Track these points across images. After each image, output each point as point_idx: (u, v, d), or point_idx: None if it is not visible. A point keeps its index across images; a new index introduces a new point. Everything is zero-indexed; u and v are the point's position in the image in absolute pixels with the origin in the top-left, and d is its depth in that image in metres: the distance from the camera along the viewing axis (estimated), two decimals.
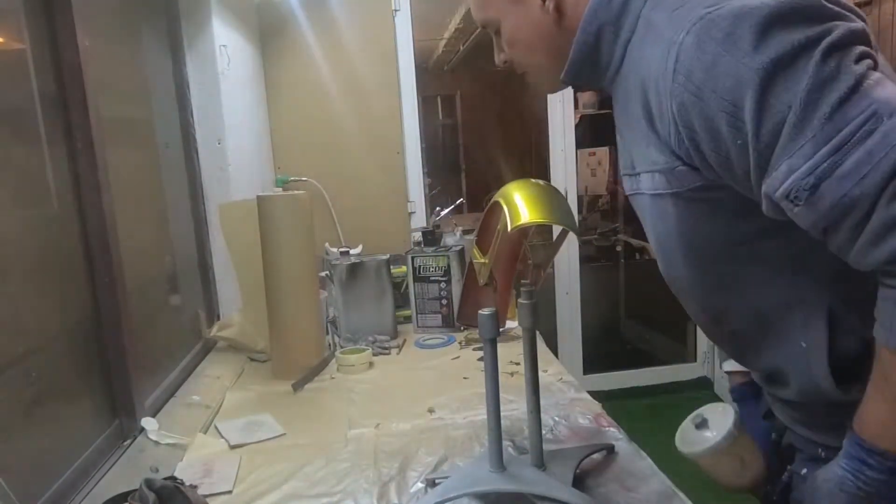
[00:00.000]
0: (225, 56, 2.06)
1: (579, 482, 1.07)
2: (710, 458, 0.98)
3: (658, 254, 0.91)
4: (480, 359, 1.75)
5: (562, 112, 3.15)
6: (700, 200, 0.79)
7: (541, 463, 1.08)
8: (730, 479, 0.99)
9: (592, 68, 0.88)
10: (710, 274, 0.85)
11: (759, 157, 0.68)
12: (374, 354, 1.85)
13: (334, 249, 2.36)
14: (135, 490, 0.98)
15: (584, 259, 3.46)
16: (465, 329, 2.02)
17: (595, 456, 1.16)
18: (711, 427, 0.98)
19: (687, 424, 1.02)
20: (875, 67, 0.65)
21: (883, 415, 0.70)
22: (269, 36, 2.67)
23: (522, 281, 1.10)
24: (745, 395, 1.07)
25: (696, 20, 0.69)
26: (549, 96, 3.11)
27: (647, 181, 0.84)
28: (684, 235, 0.83)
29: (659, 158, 0.79)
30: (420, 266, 2.04)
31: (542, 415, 1.11)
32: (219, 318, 2.06)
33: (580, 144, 3.41)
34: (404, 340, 1.99)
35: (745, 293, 0.83)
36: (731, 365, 1.07)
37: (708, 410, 1.01)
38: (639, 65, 0.79)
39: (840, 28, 0.65)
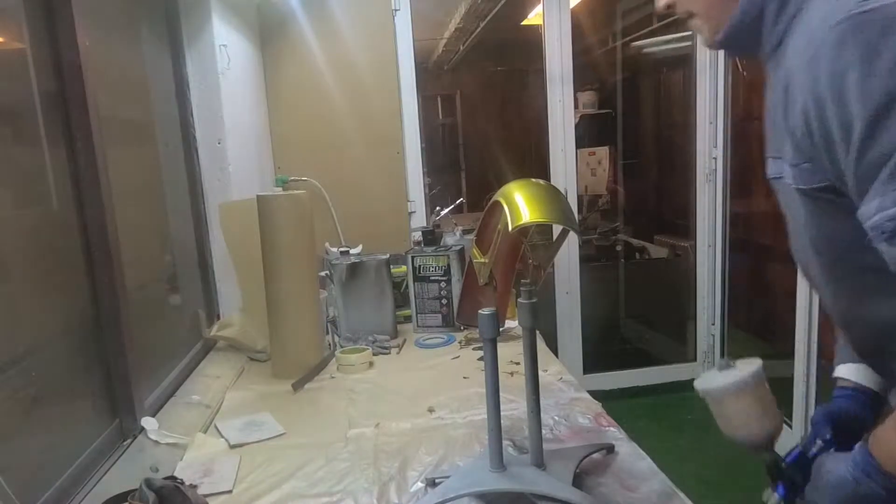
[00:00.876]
0: (225, 56, 2.06)
1: (579, 482, 1.07)
2: (733, 397, 0.93)
3: (792, 243, 0.89)
4: (480, 358, 1.75)
5: (562, 111, 3.15)
6: (823, 200, 0.76)
7: (541, 462, 1.08)
8: (747, 426, 0.93)
9: (752, 38, 0.82)
10: (837, 276, 0.82)
11: (856, 182, 0.68)
12: (374, 354, 1.85)
13: (334, 249, 2.36)
14: (135, 490, 0.98)
15: (584, 258, 3.45)
16: (464, 329, 2.02)
17: (595, 455, 1.16)
18: (739, 369, 0.94)
19: (710, 371, 0.98)
20: None
21: (893, 444, 0.72)
22: (269, 36, 2.67)
23: (522, 280, 1.10)
24: (846, 398, 0.99)
25: (844, 19, 0.65)
26: (549, 95, 3.12)
27: (785, 168, 0.80)
28: (810, 230, 0.81)
29: (788, 151, 0.77)
30: (420, 266, 2.04)
31: (542, 414, 1.11)
32: (219, 318, 2.06)
33: (580, 144, 3.41)
34: (404, 340, 1.99)
35: (871, 303, 0.80)
36: (842, 371, 1.02)
37: (736, 360, 0.97)
38: (790, 48, 0.75)
39: None
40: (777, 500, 0.91)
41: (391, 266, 2.04)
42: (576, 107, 3.24)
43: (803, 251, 0.86)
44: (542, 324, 1.14)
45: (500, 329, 1.63)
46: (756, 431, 0.93)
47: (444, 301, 2.04)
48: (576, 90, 3.18)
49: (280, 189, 2.59)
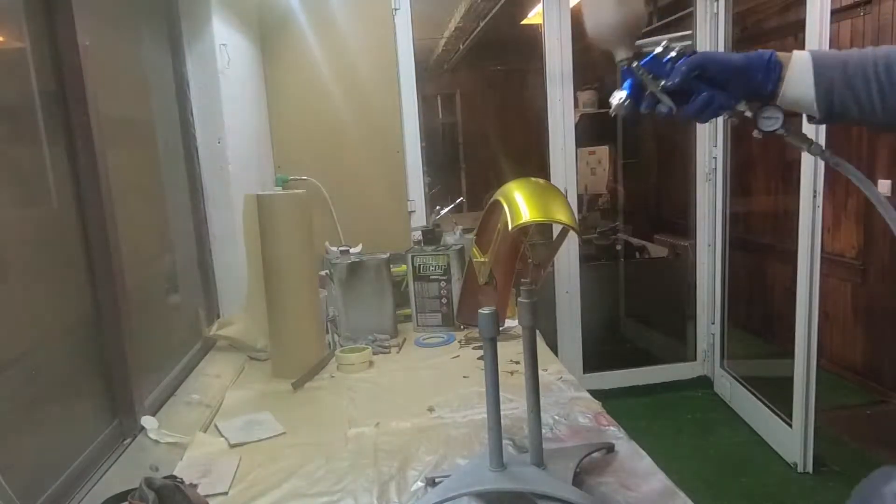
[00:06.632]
0: (225, 55, 2.06)
1: (579, 481, 1.07)
2: None
3: None
4: (480, 357, 1.75)
5: (562, 111, 3.15)
6: None
7: (541, 462, 1.08)
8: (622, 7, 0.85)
9: None
10: None
11: None
12: (374, 353, 1.85)
13: (334, 248, 2.36)
14: (135, 489, 0.98)
15: (584, 258, 3.46)
16: (464, 328, 2.02)
17: (595, 455, 1.16)
18: None
19: None
20: None
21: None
22: (269, 35, 2.67)
23: (522, 280, 1.10)
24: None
25: None
26: (549, 94, 3.11)
27: None
28: None
29: None
30: (420, 265, 2.04)
31: (542, 414, 1.11)
32: (219, 317, 2.06)
33: (580, 143, 3.41)
34: (404, 339, 1.99)
35: None
36: None
37: None
38: None
39: None
40: (622, 96, 0.89)
41: (391, 265, 2.04)
42: (576, 106, 3.24)
43: None
44: (541, 323, 1.14)
45: (500, 328, 1.63)
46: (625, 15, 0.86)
47: (443, 300, 2.04)
48: (576, 89, 3.18)
49: (280, 188, 2.59)
